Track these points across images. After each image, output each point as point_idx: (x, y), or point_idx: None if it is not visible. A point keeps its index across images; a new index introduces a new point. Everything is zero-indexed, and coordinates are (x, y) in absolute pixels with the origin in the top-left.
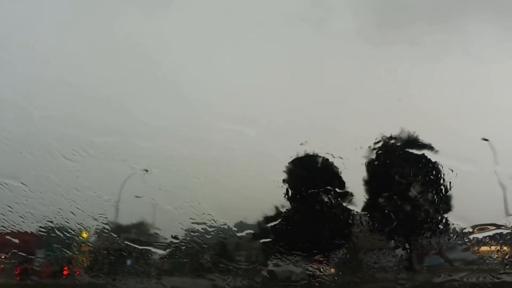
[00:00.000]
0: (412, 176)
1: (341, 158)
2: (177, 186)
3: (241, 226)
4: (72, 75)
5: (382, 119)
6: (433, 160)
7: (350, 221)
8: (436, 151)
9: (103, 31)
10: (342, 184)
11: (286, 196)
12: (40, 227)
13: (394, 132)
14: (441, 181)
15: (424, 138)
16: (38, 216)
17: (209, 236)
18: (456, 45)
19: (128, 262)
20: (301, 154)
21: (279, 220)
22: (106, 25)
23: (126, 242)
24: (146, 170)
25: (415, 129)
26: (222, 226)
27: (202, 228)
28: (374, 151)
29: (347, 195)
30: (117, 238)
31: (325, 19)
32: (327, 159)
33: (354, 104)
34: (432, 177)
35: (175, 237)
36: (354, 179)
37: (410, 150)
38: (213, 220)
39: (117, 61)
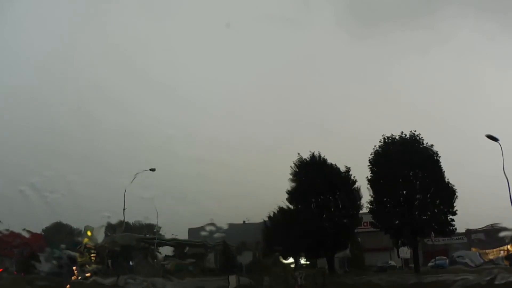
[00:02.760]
0: (416, 176)
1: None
2: (181, 187)
3: (244, 226)
4: (88, 78)
5: (381, 119)
6: (437, 159)
7: (355, 221)
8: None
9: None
10: (348, 184)
11: (291, 197)
12: (47, 226)
13: (391, 132)
14: (445, 180)
15: (426, 137)
16: (46, 215)
17: (214, 236)
18: (432, 40)
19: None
20: (305, 155)
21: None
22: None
23: (130, 241)
24: (153, 169)
25: (413, 128)
26: (226, 226)
27: (206, 228)
28: (377, 152)
29: (354, 196)
30: (122, 237)
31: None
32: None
33: (354, 103)
34: (435, 177)
35: (178, 237)
36: (359, 179)
37: (414, 150)
38: (218, 220)
39: (125, 68)
